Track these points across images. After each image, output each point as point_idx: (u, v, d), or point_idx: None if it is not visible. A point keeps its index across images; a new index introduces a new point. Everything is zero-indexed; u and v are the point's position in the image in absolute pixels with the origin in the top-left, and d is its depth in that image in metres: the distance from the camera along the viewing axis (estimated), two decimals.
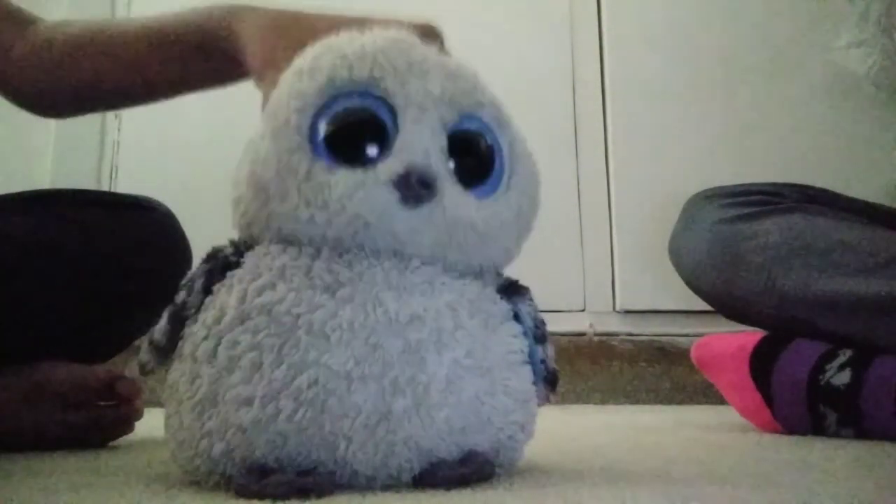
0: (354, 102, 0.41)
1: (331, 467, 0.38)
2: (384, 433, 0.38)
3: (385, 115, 0.41)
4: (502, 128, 0.45)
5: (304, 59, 0.43)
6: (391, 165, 0.39)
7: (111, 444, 0.66)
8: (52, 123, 1.41)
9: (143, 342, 0.43)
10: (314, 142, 0.40)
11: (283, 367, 0.38)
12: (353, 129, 0.41)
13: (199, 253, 0.46)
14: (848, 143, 1.41)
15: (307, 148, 0.40)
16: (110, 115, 1.44)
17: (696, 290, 0.87)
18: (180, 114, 1.39)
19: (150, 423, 0.66)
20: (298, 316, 0.38)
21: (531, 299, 0.46)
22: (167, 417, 0.42)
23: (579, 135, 1.44)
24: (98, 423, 0.65)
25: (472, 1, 1.49)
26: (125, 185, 1.40)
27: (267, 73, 0.53)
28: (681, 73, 1.46)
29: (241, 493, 0.38)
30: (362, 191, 0.39)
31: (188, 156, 1.40)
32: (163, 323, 0.42)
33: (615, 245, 1.41)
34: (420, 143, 0.40)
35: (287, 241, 0.41)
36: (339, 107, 0.41)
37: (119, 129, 1.44)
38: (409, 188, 0.39)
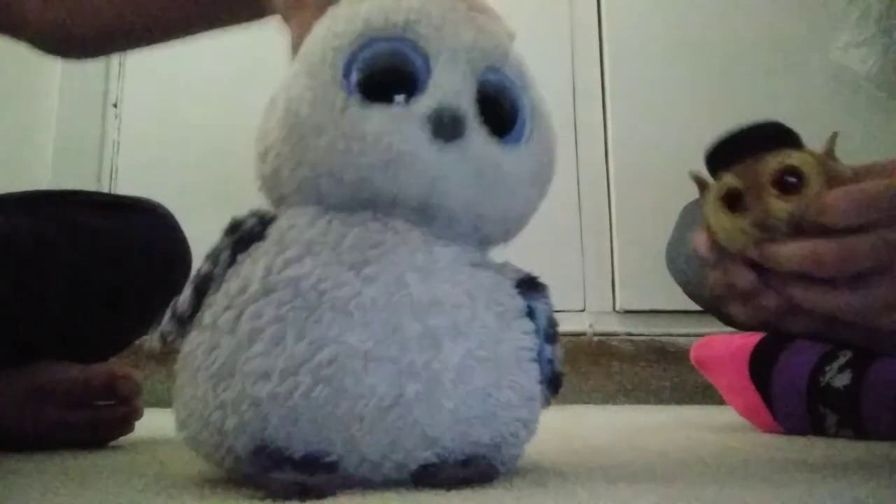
0: (389, 46, 0.42)
1: (339, 450, 0.38)
2: (395, 417, 0.38)
3: (418, 60, 0.42)
4: (525, 84, 0.46)
5: (340, 5, 0.45)
6: (424, 103, 0.41)
7: (111, 444, 0.66)
8: (52, 124, 1.41)
9: (162, 320, 0.43)
10: (348, 80, 0.42)
11: (305, 341, 0.38)
12: (387, 71, 0.42)
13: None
14: (848, 143, 1.41)
15: (342, 84, 0.42)
16: (110, 114, 1.44)
17: (694, 298, 0.87)
18: (180, 114, 1.40)
19: (150, 423, 0.66)
20: (324, 292, 0.38)
21: (547, 298, 0.46)
22: (178, 388, 0.42)
23: (579, 135, 1.44)
24: (98, 423, 0.65)
25: None
26: (125, 185, 1.40)
27: (294, 13, 0.54)
28: (680, 73, 1.46)
29: (245, 479, 0.38)
30: (396, 125, 0.40)
31: (188, 156, 1.40)
32: (187, 293, 0.42)
33: (615, 245, 1.41)
34: (452, 85, 0.42)
35: (316, 188, 0.42)
36: (373, 50, 0.42)
37: (119, 129, 1.44)
38: (441, 125, 0.40)
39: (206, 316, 0.41)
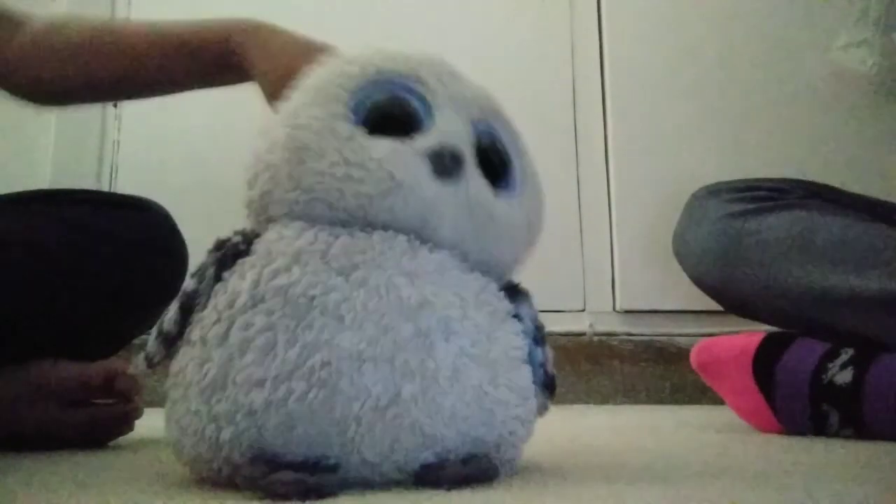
0: (396, 89, 0.45)
1: (338, 453, 0.38)
2: (392, 417, 0.38)
3: (420, 104, 0.45)
4: (516, 143, 0.49)
5: (352, 55, 0.47)
6: (426, 141, 0.43)
7: (111, 443, 0.66)
8: (52, 123, 1.41)
9: (150, 334, 0.43)
10: (355, 115, 0.44)
11: (297, 347, 0.38)
12: (391, 112, 0.44)
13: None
14: (848, 143, 1.41)
15: (350, 117, 0.43)
16: (110, 114, 1.44)
17: (700, 284, 0.87)
18: (180, 114, 1.40)
19: (150, 423, 0.66)
20: (313, 297, 0.39)
21: (531, 302, 0.47)
22: (170, 405, 0.42)
23: (579, 134, 1.44)
24: (98, 422, 0.65)
25: (473, 2, 1.49)
26: (125, 185, 1.40)
27: (279, 90, 0.59)
28: (681, 72, 1.46)
29: (245, 485, 0.38)
30: (398, 156, 0.42)
31: (188, 156, 1.40)
32: (172, 312, 0.43)
33: (615, 245, 1.41)
34: (452, 128, 0.44)
35: (308, 212, 0.42)
36: (381, 90, 0.45)
37: (119, 129, 1.44)
38: (441, 161, 0.42)
39: (195, 331, 0.41)
